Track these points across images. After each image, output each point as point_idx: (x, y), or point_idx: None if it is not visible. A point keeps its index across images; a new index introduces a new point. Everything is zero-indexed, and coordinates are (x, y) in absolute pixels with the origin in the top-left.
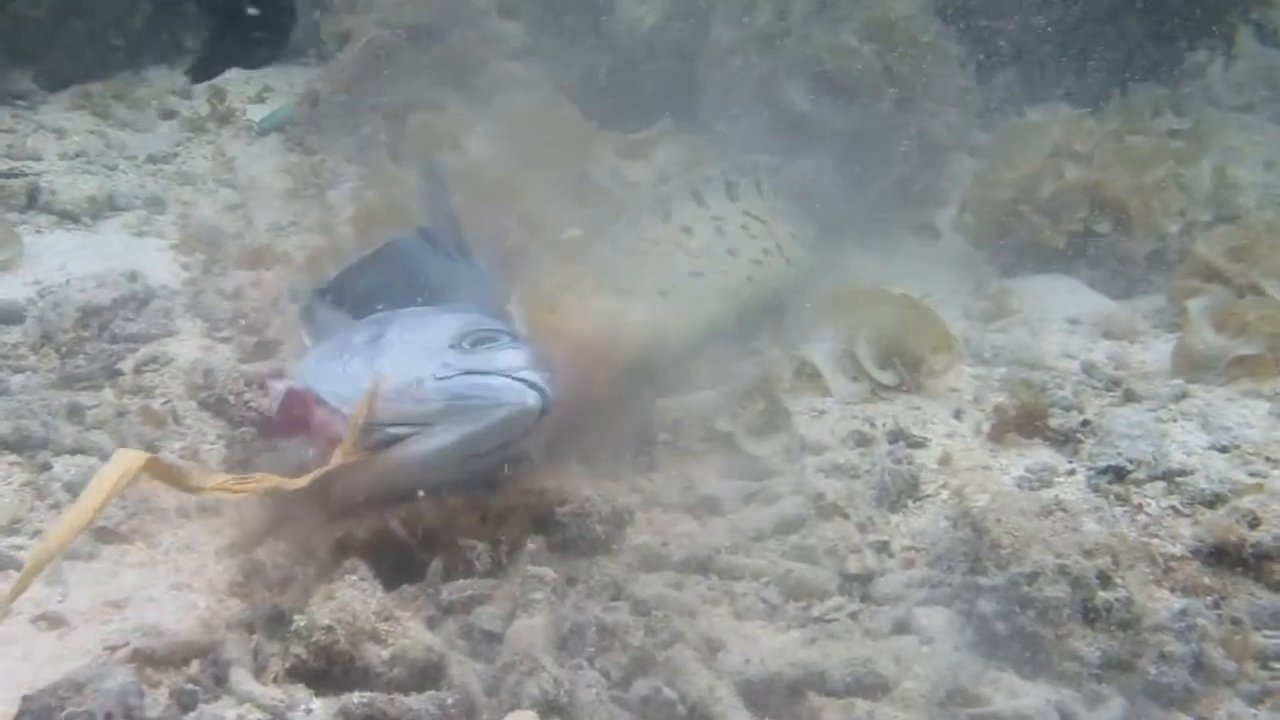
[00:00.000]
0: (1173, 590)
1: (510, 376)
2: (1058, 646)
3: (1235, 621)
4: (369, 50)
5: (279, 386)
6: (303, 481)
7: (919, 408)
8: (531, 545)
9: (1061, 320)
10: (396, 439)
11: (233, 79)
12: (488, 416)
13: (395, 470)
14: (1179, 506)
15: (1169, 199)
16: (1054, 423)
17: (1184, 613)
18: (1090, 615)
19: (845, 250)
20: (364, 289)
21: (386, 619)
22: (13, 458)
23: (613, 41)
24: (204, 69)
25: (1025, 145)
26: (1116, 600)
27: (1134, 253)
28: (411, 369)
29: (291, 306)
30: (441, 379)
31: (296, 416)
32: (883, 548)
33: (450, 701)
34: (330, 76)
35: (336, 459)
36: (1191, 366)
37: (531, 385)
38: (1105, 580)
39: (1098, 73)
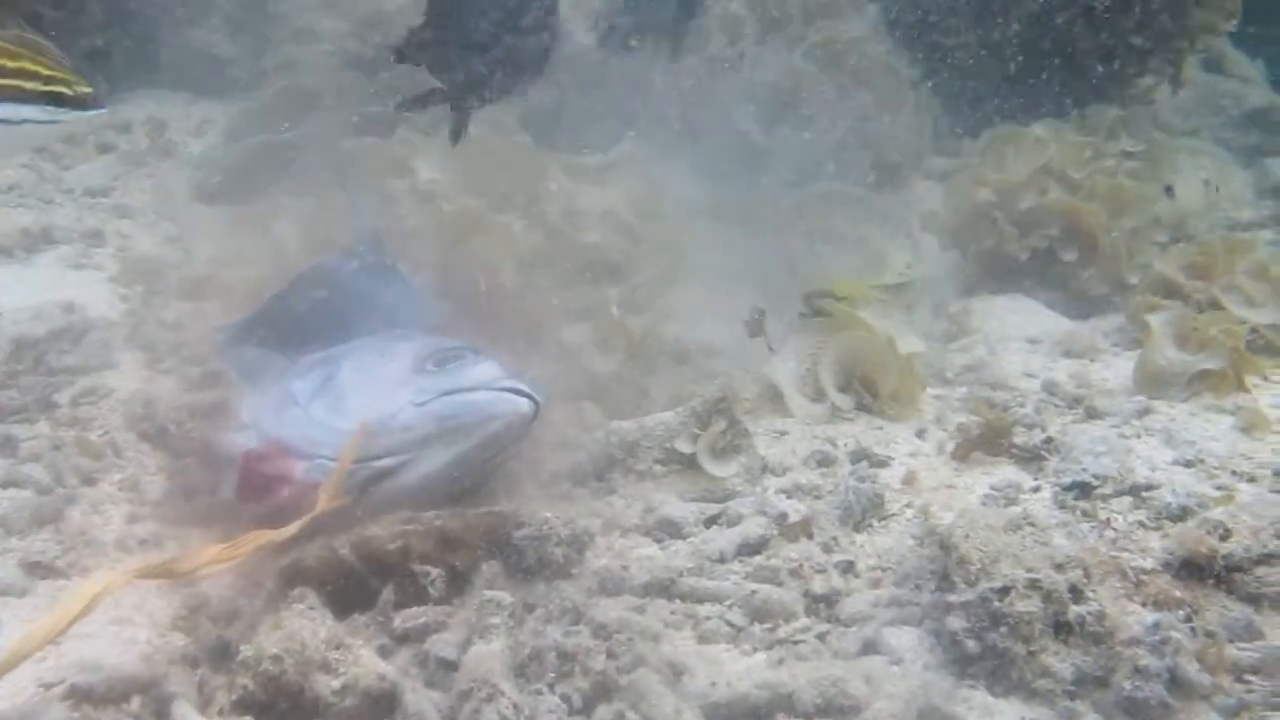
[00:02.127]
0: (1145, 604)
1: (494, 389)
2: (1030, 663)
3: (1209, 634)
4: (285, 93)
5: (233, 446)
6: (292, 530)
7: (881, 428)
8: (487, 570)
9: (1021, 340)
10: (384, 472)
11: (175, 112)
12: (482, 430)
13: (388, 503)
14: (1146, 521)
15: (1139, 249)
16: (1018, 440)
17: (1157, 626)
18: (1062, 630)
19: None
20: (292, 319)
21: (337, 648)
22: None
23: (564, 69)
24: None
25: (1019, 154)
26: (1089, 614)
27: (1091, 288)
28: (384, 401)
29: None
30: (422, 404)
31: (269, 473)
32: (848, 568)
33: None
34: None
35: (323, 504)
36: (1153, 383)
37: (518, 392)
38: (1077, 594)
39: (1050, 94)
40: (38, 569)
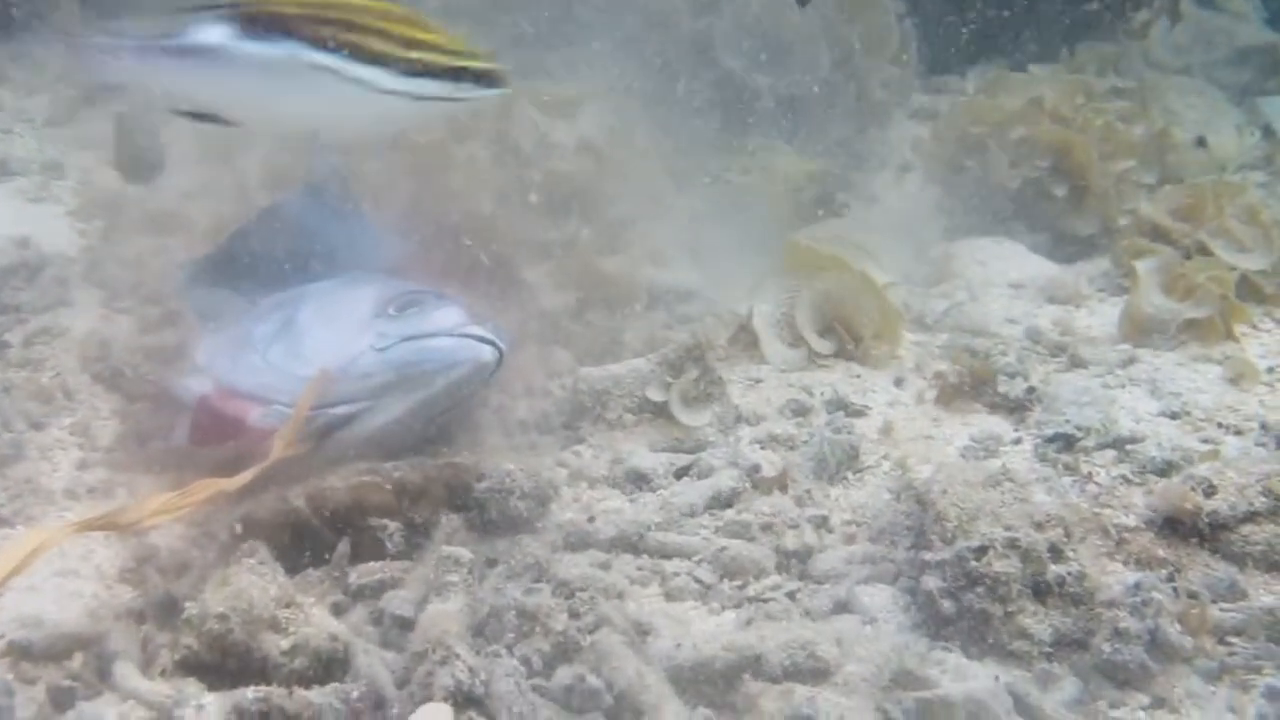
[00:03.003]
0: (1126, 563)
1: (457, 335)
2: (1007, 624)
3: (1192, 595)
4: None
5: (187, 391)
6: (245, 478)
7: (859, 376)
8: (447, 524)
9: (1004, 285)
10: (342, 419)
11: None
12: (444, 378)
13: (344, 451)
14: (1130, 475)
15: (1129, 192)
16: (999, 390)
17: (1138, 586)
18: (1041, 591)
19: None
20: (249, 259)
21: (287, 605)
22: None
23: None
24: None
25: (1012, 90)
26: (1069, 574)
27: (1079, 229)
28: (343, 346)
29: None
30: (382, 350)
31: (224, 419)
32: (822, 523)
33: (356, 694)
34: None
35: (278, 451)
36: (1139, 331)
37: (482, 339)
38: (1057, 554)
39: (1045, 30)
40: None
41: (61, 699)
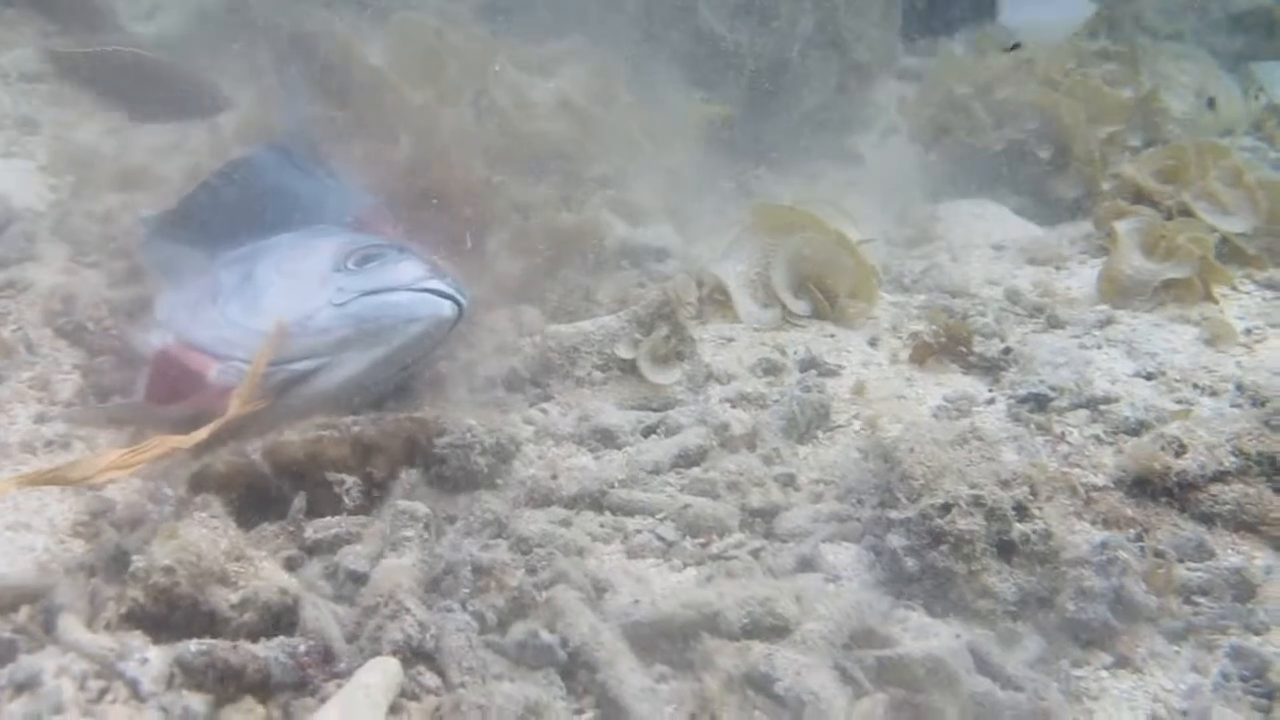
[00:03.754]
0: (1093, 522)
1: (416, 289)
2: (971, 583)
3: (1158, 554)
4: None
5: (146, 346)
6: (201, 435)
7: (833, 335)
8: (405, 479)
9: (985, 246)
10: (301, 375)
11: None
12: (403, 333)
13: (303, 408)
14: (1102, 435)
15: (1114, 155)
16: (975, 350)
17: (1105, 545)
18: (1006, 549)
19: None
20: (212, 214)
21: (238, 559)
22: None
23: None
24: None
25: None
26: (1034, 533)
27: (1062, 192)
28: (302, 301)
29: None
30: (341, 305)
31: (181, 374)
32: (789, 481)
33: (303, 649)
34: None
35: (235, 408)
36: (1118, 292)
37: (441, 294)
38: (1022, 512)
39: None
40: None
41: (2, 652)
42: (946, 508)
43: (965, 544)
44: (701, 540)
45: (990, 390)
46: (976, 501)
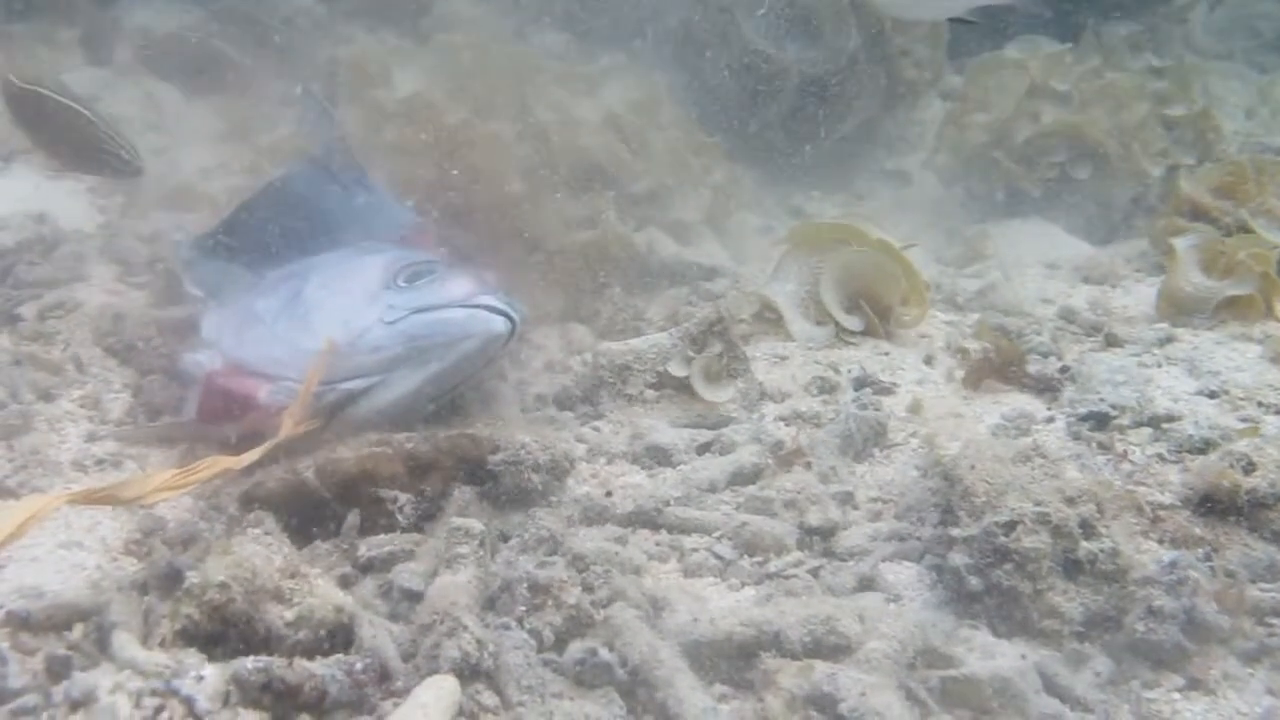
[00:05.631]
0: (1161, 541)
1: (468, 306)
2: (1037, 602)
3: (1229, 574)
4: None
5: (195, 367)
6: (253, 456)
7: (887, 354)
8: (459, 496)
9: (1039, 265)
10: (353, 394)
11: (168, 21)
12: (455, 351)
13: (357, 426)
14: (1166, 454)
15: (1150, 138)
16: (1031, 369)
17: (1174, 565)
18: (1072, 568)
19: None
20: (256, 232)
21: (292, 576)
22: None
23: None
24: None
25: (1001, 83)
26: (1101, 551)
27: (1115, 198)
28: (352, 319)
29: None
30: (392, 323)
31: (232, 395)
32: (847, 499)
33: (360, 666)
34: None
35: (287, 428)
36: (1177, 309)
37: (494, 310)
38: (1089, 530)
39: (1076, 9)
40: None
41: (57, 669)
42: (1011, 525)
43: (1031, 562)
44: (759, 559)
45: (1049, 409)
46: (1042, 519)
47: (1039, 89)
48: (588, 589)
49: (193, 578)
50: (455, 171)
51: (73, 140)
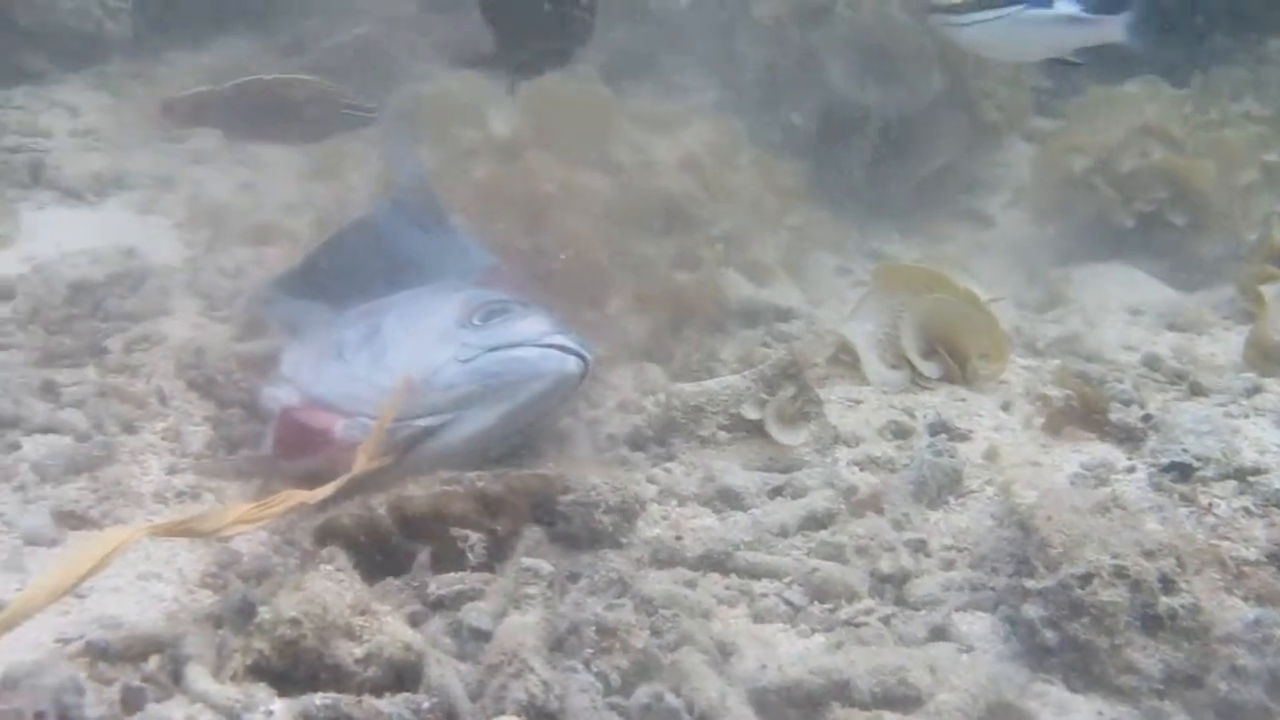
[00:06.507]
0: (1246, 598)
1: (541, 345)
2: (1114, 657)
3: None
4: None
5: (273, 401)
6: (328, 491)
7: (964, 400)
8: (529, 536)
9: (1122, 310)
10: (426, 431)
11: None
12: (527, 390)
13: (429, 463)
14: (1251, 507)
15: (1255, 204)
16: (1113, 417)
17: (1258, 622)
18: (1151, 623)
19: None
20: (337, 272)
21: (363, 613)
22: None
23: (647, 18)
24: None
25: (1115, 114)
26: (1182, 607)
27: (1205, 252)
28: (427, 357)
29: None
30: (466, 361)
31: (308, 429)
32: (920, 547)
33: (426, 705)
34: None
35: (361, 464)
36: (1266, 358)
37: (566, 349)
38: (1169, 585)
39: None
40: (70, 518)
41: (132, 700)
42: (1088, 578)
43: (1108, 616)
44: (829, 605)
45: (1130, 458)
46: (1119, 572)
47: (1152, 129)
48: (656, 632)
49: (265, 613)
50: (543, 227)
51: (313, 110)
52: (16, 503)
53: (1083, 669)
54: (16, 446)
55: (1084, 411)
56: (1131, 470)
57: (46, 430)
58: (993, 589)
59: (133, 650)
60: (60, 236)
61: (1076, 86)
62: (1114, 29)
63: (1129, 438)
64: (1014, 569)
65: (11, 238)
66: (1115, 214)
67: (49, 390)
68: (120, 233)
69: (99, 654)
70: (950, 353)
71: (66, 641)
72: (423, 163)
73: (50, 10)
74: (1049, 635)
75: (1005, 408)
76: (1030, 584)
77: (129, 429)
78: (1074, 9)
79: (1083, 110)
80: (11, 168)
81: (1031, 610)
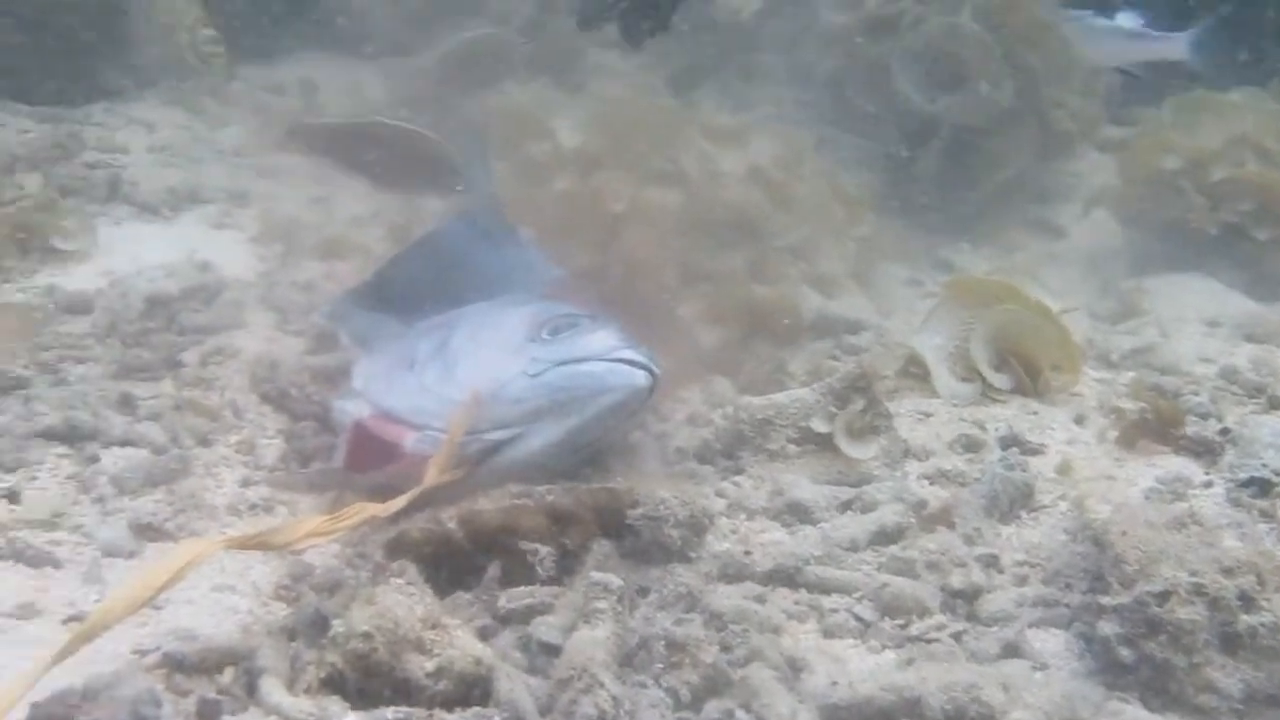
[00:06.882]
0: None
1: (610, 359)
2: (1192, 676)
3: None
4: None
5: (344, 414)
6: (399, 504)
7: (1036, 413)
8: (599, 550)
9: (1198, 322)
10: (495, 445)
11: (327, 74)
12: (595, 404)
13: (499, 477)
14: None
15: None
16: (1189, 431)
17: None
18: (1231, 642)
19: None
20: (407, 285)
21: (433, 627)
22: (62, 449)
23: (713, 30)
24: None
25: (1214, 119)
26: (1262, 625)
27: None
28: (496, 371)
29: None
30: (535, 375)
31: (379, 442)
32: (992, 562)
33: (497, 719)
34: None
35: (432, 477)
36: None
37: (635, 364)
38: (1248, 602)
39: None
40: (147, 530)
41: (208, 712)
42: (1165, 595)
43: (1185, 634)
44: (900, 621)
45: (1207, 473)
46: (1198, 590)
47: (1248, 139)
48: (725, 648)
49: (338, 626)
50: (611, 241)
51: (423, 166)
52: (95, 515)
53: (1160, 688)
54: (95, 459)
55: (1159, 425)
56: (1209, 485)
57: (124, 443)
58: (1066, 605)
59: (208, 662)
60: (136, 251)
61: (1149, 96)
62: (1177, 46)
63: (1206, 452)
64: (1088, 585)
65: (89, 252)
66: (1199, 220)
67: (126, 403)
68: (195, 247)
69: (175, 666)
70: (1022, 365)
71: (144, 653)
72: (493, 176)
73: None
74: (1125, 653)
75: (1078, 421)
76: (1105, 601)
77: (204, 442)
78: (1137, 24)
79: (1182, 112)
80: (90, 183)
81: (1107, 627)
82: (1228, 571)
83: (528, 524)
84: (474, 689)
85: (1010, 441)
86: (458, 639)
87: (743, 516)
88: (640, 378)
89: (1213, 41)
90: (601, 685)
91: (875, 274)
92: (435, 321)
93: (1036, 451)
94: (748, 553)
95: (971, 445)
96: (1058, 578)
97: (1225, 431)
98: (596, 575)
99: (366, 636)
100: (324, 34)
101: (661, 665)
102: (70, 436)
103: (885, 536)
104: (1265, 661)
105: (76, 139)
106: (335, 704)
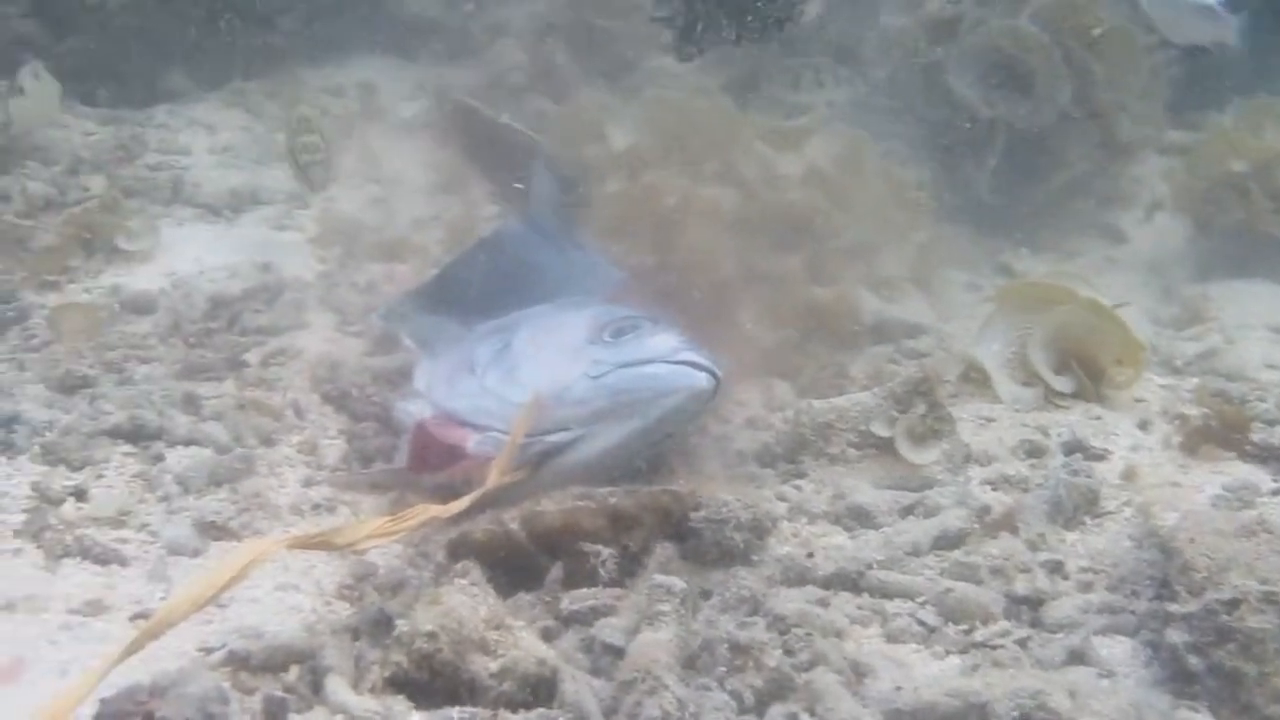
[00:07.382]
0: None
1: (671, 361)
2: (1263, 686)
3: None
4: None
5: (406, 415)
6: (461, 505)
7: (1099, 418)
8: (661, 552)
9: (1264, 328)
10: (557, 447)
11: (386, 77)
12: (659, 406)
13: (561, 479)
14: None
15: None
16: (1255, 437)
17: None
18: None
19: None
20: (467, 287)
21: (497, 627)
22: (127, 448)
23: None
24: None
25: (1274, 124)
26: None
27: None
28: (558, 373)
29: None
30: (597, 377)
31: (441, 444)
32: (1056, 568)
33: None
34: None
35: (494, 479)
36: None
37: (696, 365)
38: None
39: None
40: (211, 529)
41: (275, 710)
42: (1234, 603)
43: (1256, 643)
44: (964, 627)
45: (1275, 480)
46: (1269, 598)
47: None
48: (789, 652)
49: (402, 626)
50: (671, 244)
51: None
52: (161, 513)
53: (1229, 697)
54: (161, 458)
55: (1224, 431)
56: (1277, 493)
57: (189, 442)
58: (1133, 612)
59: (273, 660)
60: (198, 252)
61: (1210, 100)
62: (1229, 29)
63: (1273, 458)
64: (1155, 592)
65: (152, 253)
66: (1265, 223)
67: (191, 403)
68: (256, 248)
69: (241, 663)
70: (1083, 367)
71: (209, 651)
72: (554, 179)
73: None
74: (1194, 661)
75: (1143, 427)
76: (1173, 608)
77: (267, 442)
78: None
79: (1248, 113)
80: (153, 185)
81: (1175, 635)
82: None
83: (589, 526)
84: (538, 690)
85: (1074, 447)
86: (522, 640)
87: (804, 520)
88: (702, 379)
89: (1257, 28)
90: (666, 687)
91: (935, 278)
92: (496, 324)
93: (1100, 457)
94: (810, 556)
95: (1034, 450)
96: (1123, 584)
97: None
98: (659, 577)
99: (431, 636)
100: (384, 38)
101: (725, 668)
102: (136, 435)
103: (948, 541)
104: None
105: (139, 141)
106: (400, 703)
